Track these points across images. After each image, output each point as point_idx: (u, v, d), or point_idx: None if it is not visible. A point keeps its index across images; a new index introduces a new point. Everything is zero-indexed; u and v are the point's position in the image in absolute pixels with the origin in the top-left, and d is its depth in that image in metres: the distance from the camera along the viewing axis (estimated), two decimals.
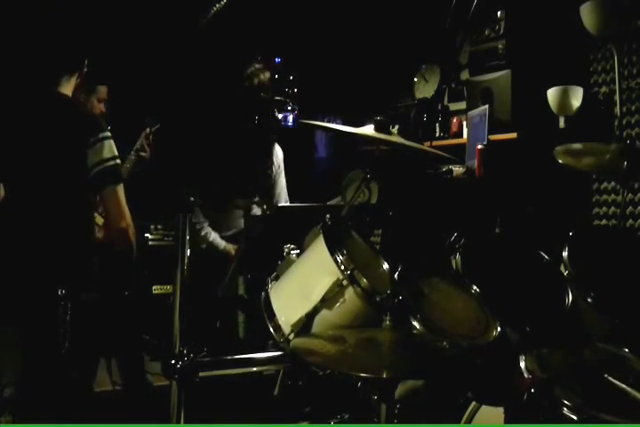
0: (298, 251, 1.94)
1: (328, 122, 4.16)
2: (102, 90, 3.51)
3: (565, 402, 1.30)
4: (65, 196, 2.48)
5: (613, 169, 2.28)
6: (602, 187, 3.35)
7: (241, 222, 3.32)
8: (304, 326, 1.65)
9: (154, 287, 3.85)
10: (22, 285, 2.42)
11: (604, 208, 3.33)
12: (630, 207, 3.15)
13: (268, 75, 3.29)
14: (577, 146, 2.33)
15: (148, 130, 3.69)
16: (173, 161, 3.49)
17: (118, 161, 2.52)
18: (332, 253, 1.68)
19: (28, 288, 2.41)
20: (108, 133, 2.50)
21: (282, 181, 3.54)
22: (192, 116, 3.47)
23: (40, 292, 2.39)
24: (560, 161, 2.21)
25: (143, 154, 3.64)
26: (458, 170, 3.44)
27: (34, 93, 2.57)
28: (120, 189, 2.50)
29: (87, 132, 2.46)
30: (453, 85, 4.06)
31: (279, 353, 1.73)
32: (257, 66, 3.27)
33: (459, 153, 3.53)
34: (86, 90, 3.40)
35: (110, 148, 2.48)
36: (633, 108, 3.20)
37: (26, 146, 2.48)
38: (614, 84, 3.08)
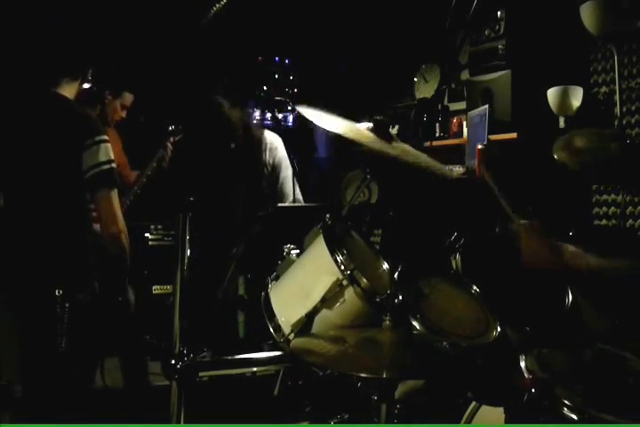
0: (298, 251, 1.94)
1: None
2: (128, 97, 3.51)
3: (565, 402, 1.30)
4: (61, 197, 2.47)
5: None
6: (602, 187, 3.35)
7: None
8: (304, 326, 1.65)
9: (154, 287, 3.86)
10: (20, 285, 2.42)
11: (604, 208, 3.33)
12: (630, 207, 3.15)
13: (237, 113, 3.14)
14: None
15: (172, 139, 3.64)
16: (187, 170, 3.43)
17: (114, 165, 2.47)
18: (332, 253, 1.68)
19: (26, 289, 2.41)
20: (106, 137, 2.47)
21: (283, 176, 3.29)
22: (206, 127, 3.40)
23: (37, 292, 2.39)
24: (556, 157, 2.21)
25: (164, 164, 3.60)
26: (458, 170, 3.44)
27: (32, 93, 2.56)
28: (114, 193, 2.46)
29: (84, 134, 2.43)
30: (453, 85, 4.07)
31: (279, 353, 1.73)
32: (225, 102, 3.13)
33: (459, 153, 3.53)
34: (113, 93, 3.43)
35: (106, 151, 2.44)
36: (633, 108, 3.20)
37: (21, 145, 2.47)
38: (614, 84, 3.08)
